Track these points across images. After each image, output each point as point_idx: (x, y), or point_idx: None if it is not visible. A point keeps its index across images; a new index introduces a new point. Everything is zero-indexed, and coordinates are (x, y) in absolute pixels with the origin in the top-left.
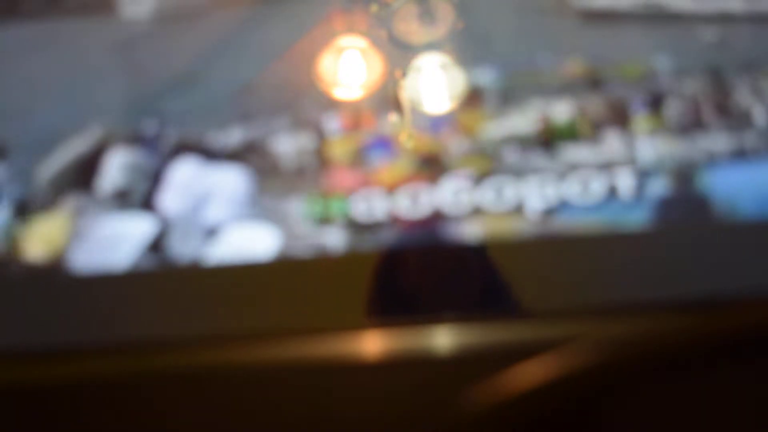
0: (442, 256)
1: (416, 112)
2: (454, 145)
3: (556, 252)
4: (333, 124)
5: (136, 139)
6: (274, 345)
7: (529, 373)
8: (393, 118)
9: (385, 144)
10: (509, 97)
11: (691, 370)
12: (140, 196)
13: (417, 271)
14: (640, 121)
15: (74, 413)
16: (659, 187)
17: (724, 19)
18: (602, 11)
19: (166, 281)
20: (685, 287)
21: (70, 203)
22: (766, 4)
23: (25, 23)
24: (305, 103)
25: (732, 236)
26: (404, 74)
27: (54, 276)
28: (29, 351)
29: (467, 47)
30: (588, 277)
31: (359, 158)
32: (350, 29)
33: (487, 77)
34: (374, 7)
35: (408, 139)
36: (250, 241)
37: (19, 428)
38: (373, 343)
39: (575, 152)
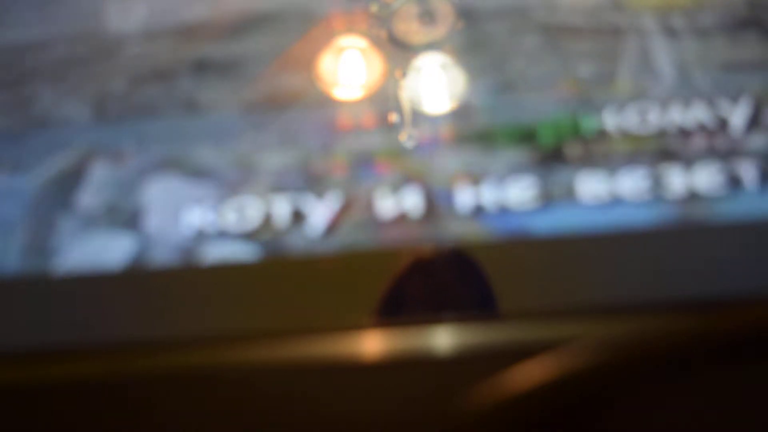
0: (429, 260)
1: (416, 112)
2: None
3: (555, 252)
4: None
5: (118, 155)
6: (274, 345)
7: (529, 373)
8: (393, 118)
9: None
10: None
11: (692, 370)
12: (123, 212)
13: (409, 275)
14: (620, 139)
15: (74, 413)
16: (658, 215)
17: (669, 34)
18: (563, 26)
19: (164, 281)
20: (685, 287)
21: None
22: (704, 20)
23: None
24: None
25: (732, 236)
26: (404, 74)
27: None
28: (30, 351)
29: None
30: (588, 277)
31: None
32: (350, 29)
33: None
34: (374, 7)
35: (408, 140)
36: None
37: (18, 428)
38: (373, 343)
39: (569, 175)
